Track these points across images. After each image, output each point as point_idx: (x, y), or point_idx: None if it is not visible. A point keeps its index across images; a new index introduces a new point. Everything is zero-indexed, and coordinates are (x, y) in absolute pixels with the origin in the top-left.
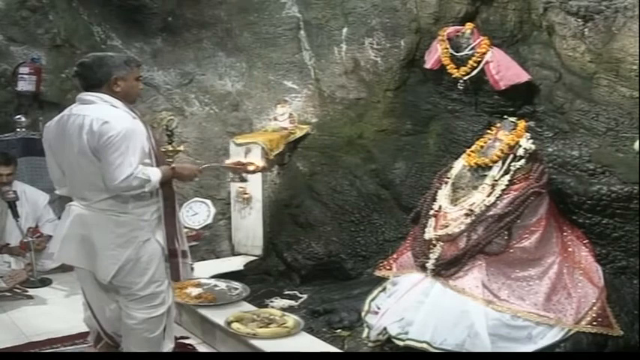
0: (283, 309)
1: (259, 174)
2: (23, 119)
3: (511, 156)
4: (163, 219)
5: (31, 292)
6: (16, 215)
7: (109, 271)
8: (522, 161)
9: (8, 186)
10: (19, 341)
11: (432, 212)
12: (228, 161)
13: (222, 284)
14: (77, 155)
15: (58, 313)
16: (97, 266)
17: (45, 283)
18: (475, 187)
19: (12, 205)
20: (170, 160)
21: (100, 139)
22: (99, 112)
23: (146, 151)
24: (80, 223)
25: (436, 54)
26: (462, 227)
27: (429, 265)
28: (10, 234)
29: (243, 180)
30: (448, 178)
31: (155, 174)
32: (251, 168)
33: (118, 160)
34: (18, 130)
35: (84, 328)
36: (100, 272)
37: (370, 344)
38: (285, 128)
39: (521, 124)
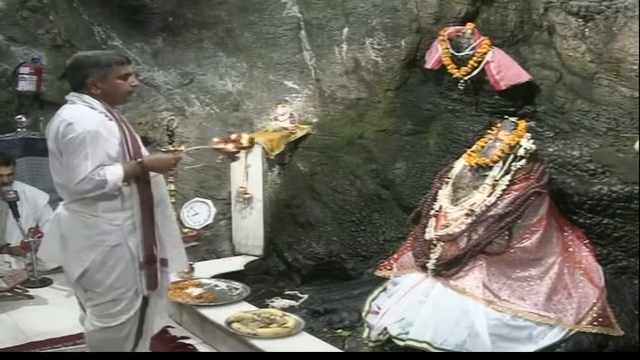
0: (284, 309)
1: (260, 175)
2: (24, 119)
3: (512, 156)
4: (139, 225)
5: (32, 292)
6: (16, 215)
7: (74, 272)
8: (523, 161)
9: (8, 186)
10: (19, 341)
11: (432, 212)
12: (215, 140)
13: (222, 284)
14: (51, 156)
15: (58, 313)
16: (65, 266)
17: (45, 283)
18: (476, 187)
19: (12, 205)
20: None
21: (62, 140)
22: (68, 113)
23: (113, 155)
24: (58, 222)
25: (437, 54)
26: (463, 227)
27: (430, 265)
28: (11, 234)
29: (234, 159)
30: (449, 178)
31: (114, 173)
32: (233, 146)
33: (75, 162)
34: (19, 130)
35: None
36: (68, 272)
37: (371, 344)
38: (286, 128)
39: (522, 124)
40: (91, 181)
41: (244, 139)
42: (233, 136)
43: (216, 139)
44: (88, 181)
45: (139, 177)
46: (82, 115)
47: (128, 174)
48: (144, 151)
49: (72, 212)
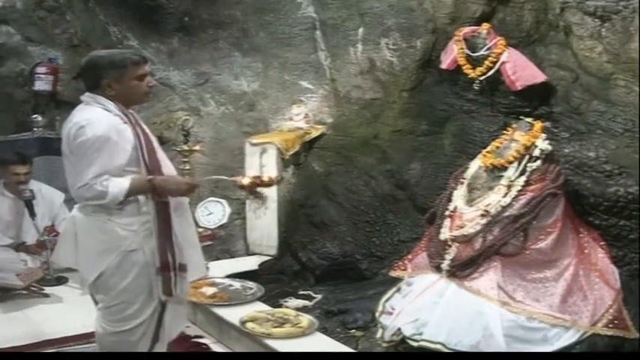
0: (297, 309)
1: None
2: (40, 119)
3: (527, 157)
4: (155, 231)
5: (47, 290)
6: (32, 214)
7: (89, 276)
8: (538, 162)
9: (25, 185)
10: (34, 339)
11: (447, 213)
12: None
13: (236, 284)
14: (64, 157)
15: (73, 312)
16: (80, 270)
17: (61, 281)
18: (491, 188)
19: (29, 204)
20: (186, 159)
21: (73, 142)
22: (81, 116)
23: (123, 162)
24: (73, 225)
25: (452, 54)
26: (478, 228)
27: (444, 265)
28: (27, 232)
29: (259, 197)
30: (464, 178)
31: (118, 185)
32: (265, 179)
33: (79, 167)
34: (35, 129)
35: None
36: (82, 276)
37: (384, 345)
38: (301, 128)
39: (538, 124)
40: (91, 189)
41: (266, 178)
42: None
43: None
44: (88, 188)
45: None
46: (94, 119)
47: (134, 190)
48: (161, 154)
49: (87, 215)
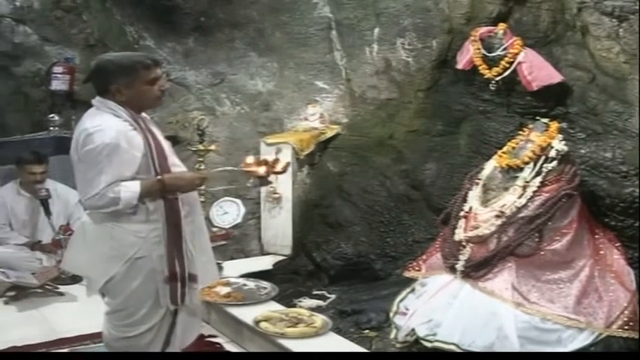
0: (311, 309)
1: (289, 175)
2: (56, 118)
3: (543, 157)
4: (165, 240)
5: (62, 288)
6: (48, 213)
7: (98, 281)
8: (554, 163)
9: (41, 184)
10: (49, 337)
11: (462, 213)
12: (248, 161)
13: (251, 283)
14: (74, 164)
15: (88, 310)
16: (89, 276)
17: (76, 280)
18: (506, 189)
19: (44, 203)
20: (201, 159)
21: (81, 150)
22: (90, 123)
23: (134, 169)
24: (83, 231)
25: (468, 54)
26: (493, 229)
27: (459, 266)
28: (42, 231)
29: (266, 183)
30: (479, 179)
31: (129, 190)
32: (279, 168)
33: (89, 176)
34: (51, 128)
35: None
36: (91, 281)
37: (398, 345)
38: (316, 128)
39: (554, 125)
40: (104, 197)
41: (279, 165)
42: (268, 159)
43: (249, 160)
44: (100, 197)
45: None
46: (103, 126)
47: (145, 192)
48: (174, 160)
49: (97, 222)
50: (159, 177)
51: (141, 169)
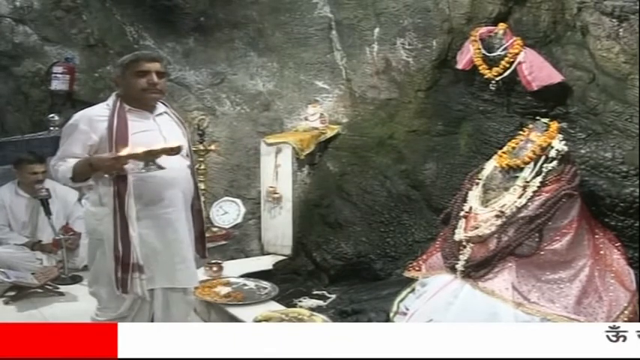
0: (312, 309)
1: (289, 175)
2: (56, 118)
3: (543, 157)
4: (118, 226)
5: (62, 288)
6: (48, 212)
7: (83, 256)
8: (554, 163)
9: (41, 184)
10: None
11: (462, 213)
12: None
13: (251, 283)
14: None
15: (88, 310)
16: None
17: (76, 280)
18: (506, 189)
19: (44, 203)
20: (201, 159)
21: None
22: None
23: (85, 149)
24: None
25: (468, 54)
26: (493, 229)
27: (459, 266)
28: (42, 231)
29: (160, 168)
30: (479, 179)
31: (66, 164)
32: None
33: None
34: (51, 128)
35: None
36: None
37: None
38: (316, 128)
39: (554, 125)
40: (53, 168)
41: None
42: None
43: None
44: (51, 168)
45: (116, 174)
46: (82, 112)
47: (77, 170)
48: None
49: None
50: (87, 157)
51: (101, 151)
